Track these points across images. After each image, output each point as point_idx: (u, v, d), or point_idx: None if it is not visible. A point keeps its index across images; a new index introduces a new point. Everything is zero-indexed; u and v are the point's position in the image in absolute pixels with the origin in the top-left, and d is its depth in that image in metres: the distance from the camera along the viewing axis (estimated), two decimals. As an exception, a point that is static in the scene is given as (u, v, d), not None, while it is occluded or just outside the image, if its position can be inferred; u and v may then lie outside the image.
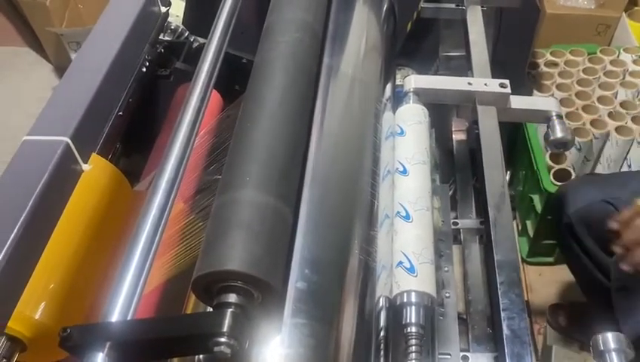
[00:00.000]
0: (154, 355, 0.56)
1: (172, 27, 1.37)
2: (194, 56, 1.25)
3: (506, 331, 0.65)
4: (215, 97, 1.07)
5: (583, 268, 1.18)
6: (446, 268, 0.98)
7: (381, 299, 0.70)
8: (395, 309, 0.66)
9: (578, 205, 1.13)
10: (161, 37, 1.16)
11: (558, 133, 0.85)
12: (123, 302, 0.54)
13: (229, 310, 0.52)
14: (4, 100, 2.25)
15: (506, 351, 0.64)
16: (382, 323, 0.69)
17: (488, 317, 0.89)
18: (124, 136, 0.94)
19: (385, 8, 1.05)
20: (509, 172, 1.69)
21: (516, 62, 1.32)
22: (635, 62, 1.67)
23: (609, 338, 0.63)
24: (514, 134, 1.64)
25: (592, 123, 1.51)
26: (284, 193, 0.62)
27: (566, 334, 1.45)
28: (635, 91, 1.60)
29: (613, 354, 0.62)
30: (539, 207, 1.50)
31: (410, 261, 0.67)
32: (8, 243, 0.62)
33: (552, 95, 1.59)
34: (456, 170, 1.16)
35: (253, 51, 0.80)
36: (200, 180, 0.83)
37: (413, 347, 0.62)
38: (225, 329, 0.50)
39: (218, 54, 0.79)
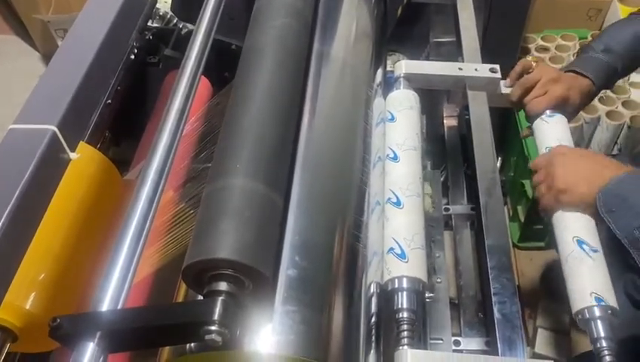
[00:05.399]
0: (145, 344, 0.56)
1: (160, 13, 1.35)
2: (183, 43, 1.23)
3: (497, 315, 0.65)
4: (204, 84, 1.06)
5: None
6: (437, 254, 0.98)
7: (372, 285, 0.70)
8: (387, 295, 0.67)
9: None
10: (149, 23, 1.15)
11: (549, 117, 0.85)
12: (113, 291, 0.54)
13: (220, 298, 0.52)
14: (-8, 89, 2.22)
15: (497, 335, 0.64)
16: (373, 309, 0.69)
17: (480, 302, 0.90)
18: (113, 124, 0.93)
19: (375, -7, 1.04)
20: (500, 158, 1.69)
21: (507, 47, 1.32)
22: (625, 46, 1.67)
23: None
24: (505, 120, 1.64)
25: (583, 108, 1.51)
26: (274, 180, 0.62)
27: None
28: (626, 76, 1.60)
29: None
30: (530, 192, 1.50)
31: (401, 247, 0.67)
32: (-5, 233, 0.61)
33: (543, 80, 1.59)
34: (447, 156, 1.16)
35: (243, 37, 0.79)
36: (189, 168, 0.82)
37: (405, 332, 0.62)
38: (216, 317, 0.50)
39: (206, 40, 0.78)
